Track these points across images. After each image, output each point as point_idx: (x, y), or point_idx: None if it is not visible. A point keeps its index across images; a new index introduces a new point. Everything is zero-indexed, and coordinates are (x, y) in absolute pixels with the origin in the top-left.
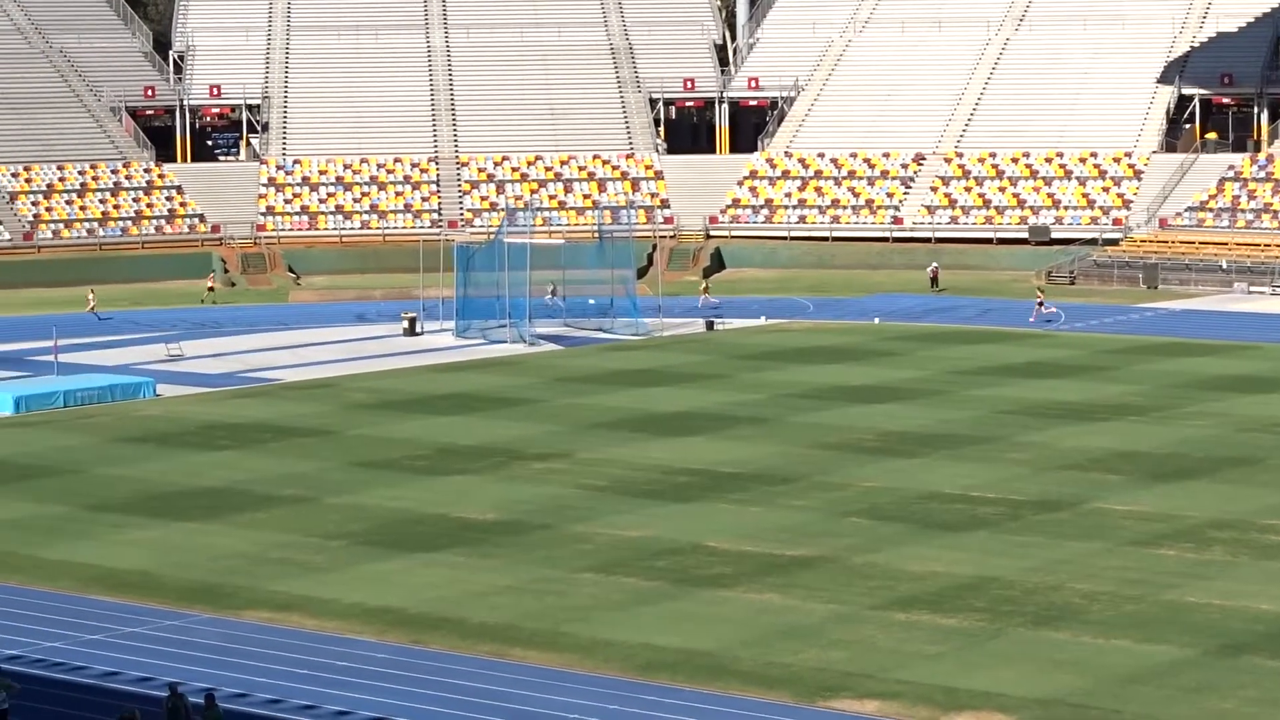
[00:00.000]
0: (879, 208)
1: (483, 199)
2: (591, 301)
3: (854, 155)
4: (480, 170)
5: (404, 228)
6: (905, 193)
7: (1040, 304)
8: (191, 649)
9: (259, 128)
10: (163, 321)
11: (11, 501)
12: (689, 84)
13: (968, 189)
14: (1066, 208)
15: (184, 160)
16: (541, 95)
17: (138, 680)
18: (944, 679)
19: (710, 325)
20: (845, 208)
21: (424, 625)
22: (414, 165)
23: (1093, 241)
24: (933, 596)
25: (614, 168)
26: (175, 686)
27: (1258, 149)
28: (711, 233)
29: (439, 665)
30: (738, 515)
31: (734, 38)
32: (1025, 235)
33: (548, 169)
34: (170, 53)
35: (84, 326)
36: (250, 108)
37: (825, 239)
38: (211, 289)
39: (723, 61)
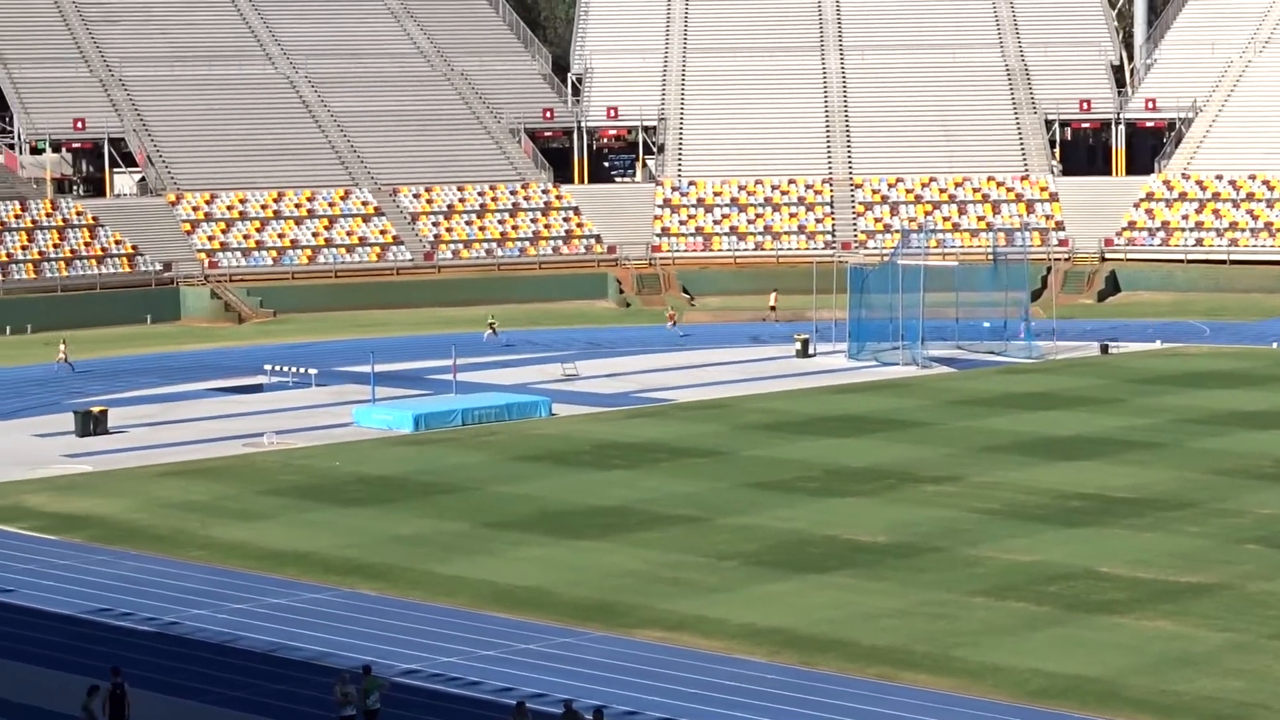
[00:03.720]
0: (1278, 231)
1: (876, 220)
2: (986, 325)
3: (1253, 177)
4: (874, 192)
5: (797, 249)
6: None
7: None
8: (584, 666)
9: (655, 149)
10: (559, 341)
11: (412, 518)
12: (1085, 105)
13: None
14: None
15: (581, 181)
16: (936, 117)
17: (531, 697)
18: None
19: (1105, 349)
20: (1244, 230)
21: (814, 647)
22: (808, 187)
23: None
24: None
25: (1008, 189)
26: (569, 704)
27: None
28: (1107, 255)
29: (828, 687)
30: (1131, 541)
31: (1131, 58)
32: None
33: (942, 191)
34: (569, 75)
35: (483, 347)
36: (646, 129)
37: (1223, 262)
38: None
39: (1119, 82)
